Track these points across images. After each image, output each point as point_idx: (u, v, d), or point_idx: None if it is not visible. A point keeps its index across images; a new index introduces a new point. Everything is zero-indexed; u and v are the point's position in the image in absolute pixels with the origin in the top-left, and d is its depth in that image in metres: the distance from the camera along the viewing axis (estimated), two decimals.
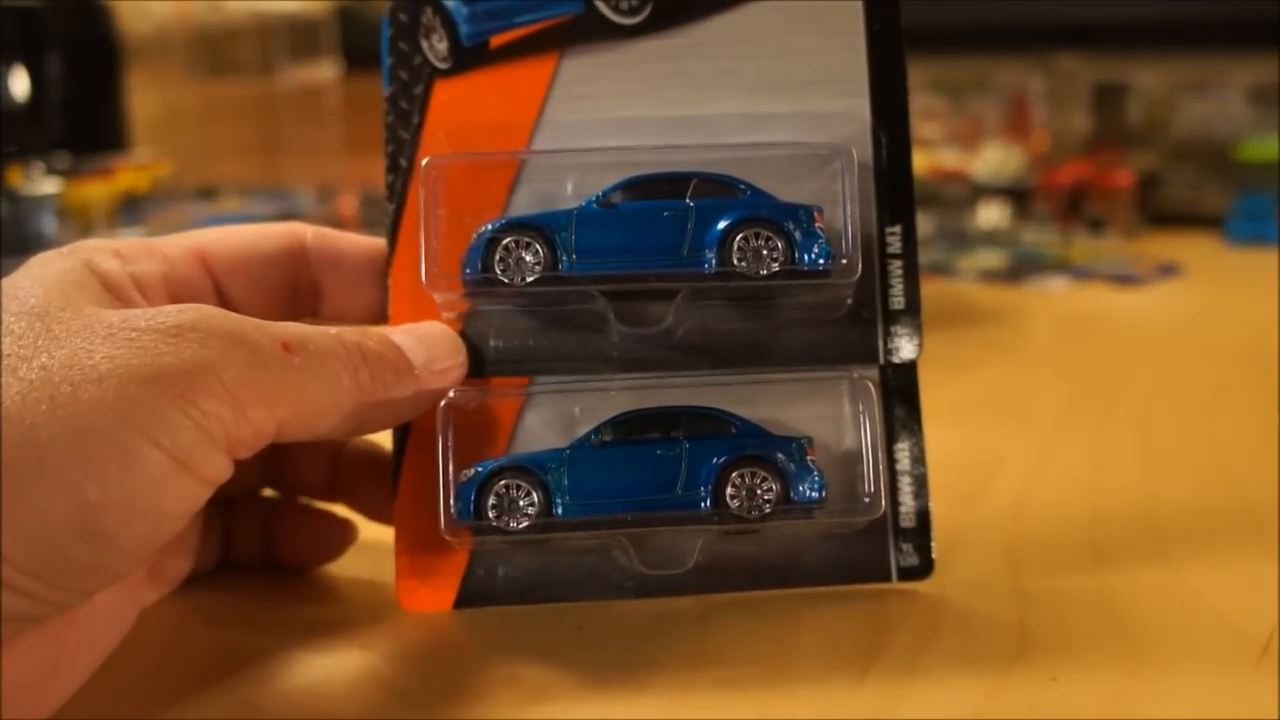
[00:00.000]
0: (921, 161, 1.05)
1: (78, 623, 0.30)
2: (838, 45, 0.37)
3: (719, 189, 0.36)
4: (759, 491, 0.34)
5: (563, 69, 0.37)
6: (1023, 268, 0.93)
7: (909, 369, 0.36)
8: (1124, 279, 0.89)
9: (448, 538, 0.34)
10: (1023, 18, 1.16)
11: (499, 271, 0.35)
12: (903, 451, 0.36)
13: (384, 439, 0.37)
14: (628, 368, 0.36)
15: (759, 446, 0.35)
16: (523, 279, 0.35)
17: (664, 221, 0.35)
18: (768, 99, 0.37)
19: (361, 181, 1.14)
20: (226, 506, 0.39)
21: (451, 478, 0.34)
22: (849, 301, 0.36)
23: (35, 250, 0.34)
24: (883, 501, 0.35)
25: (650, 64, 0.37)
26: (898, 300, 0.36)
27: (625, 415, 0.35)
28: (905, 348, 0.36)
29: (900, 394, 0.36)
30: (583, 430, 0.35)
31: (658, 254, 0.35)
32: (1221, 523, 0.42)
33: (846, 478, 0.35)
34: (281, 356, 0.30)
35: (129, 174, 1.01)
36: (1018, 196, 1.08)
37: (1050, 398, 0.61)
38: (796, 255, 0.35)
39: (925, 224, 1.04)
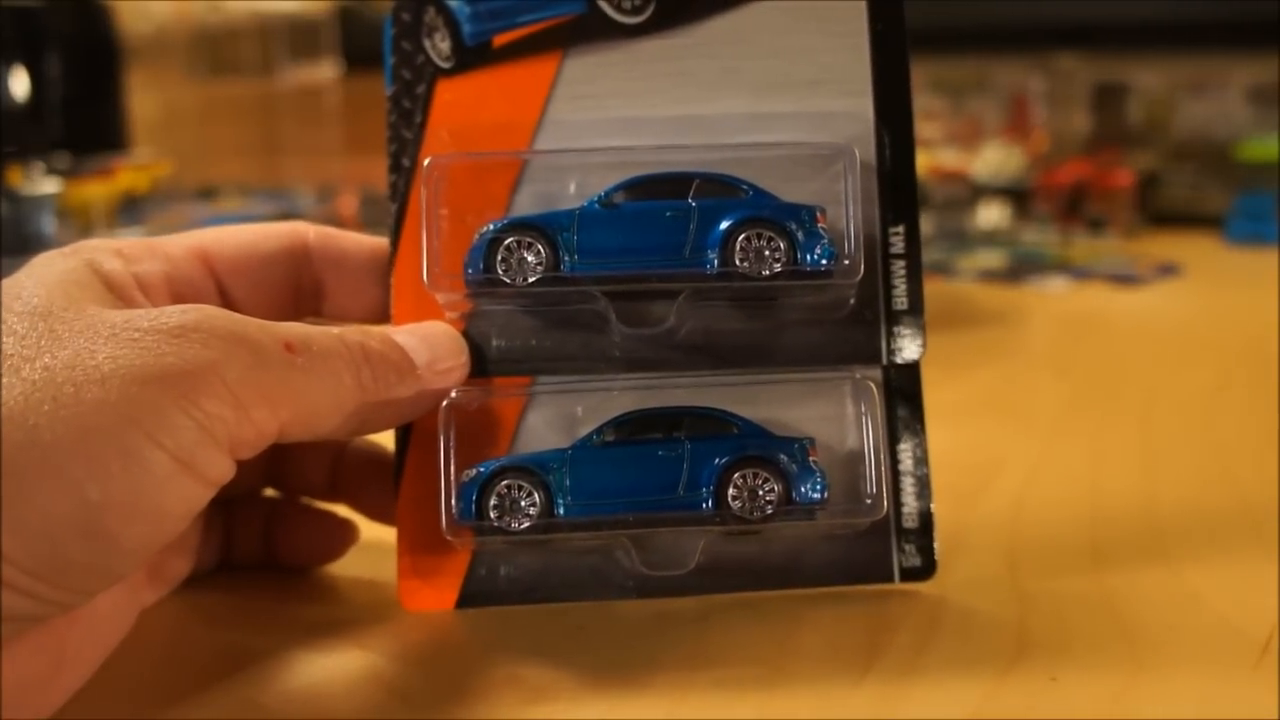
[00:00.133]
0: (921, 161, 1.05)
1: (79, 623, 0.30)
2: (841, 45, 0.37)
3: (721, 189, 0.36)
4: (761, 492, 0.34)
5: (565, 68, 0.37)
6: (1023, 268, 0.93)
7: (912, 369, 0.36)
8: (1124, 279, 0.89)
9: (449, 538, 0.34)
10: (1023, 18, 1.16)
11: (501, 271, 0.35)
12: (905, 452, 0.36)
13: (386, 439, 0.37)
14: (630, 368, 0.36)
15: (761, 447, 0.35)
16: (525, 279, 0.35)
17: (666, 222, 0.35)
18: (770, 99, 0.37)
19: (361, 181, 1.14)
20: (228, 506, 0.39)
21: (453, 478, 0.34)
22: (852, 302, 0.36)
23: (35, 250, 0.34)
24: (885, 502, 0.35)
25: (653, 63, 0.37)
26: (900, 301, 0.36)
27: (627, 416, 0.35)
28: (908, 348, 0.36)
29: (903, 394, 0.36)
30: (584, 430, 0.35)
31: (660, 254, 0.35)
32: (1221, 523, 0.42)
33: (849, 478, 0.35)
34: (284, 357, 0.30)
35: (129, 174, 1.01)
36: (1018, 196, 1.08)
37: (1050, 398, 0.61)
38: (799, 256, 0.35)
39: (925, 224, 1.04)
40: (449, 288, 0.35)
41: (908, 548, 0.36)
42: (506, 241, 0.35)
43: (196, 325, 0.29)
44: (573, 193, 0.36)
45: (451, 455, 0.35)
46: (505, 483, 0.34)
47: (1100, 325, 0.79)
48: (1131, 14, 1.12)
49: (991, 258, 0.97)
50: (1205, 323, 0.79)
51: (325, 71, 1.28)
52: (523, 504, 0.34)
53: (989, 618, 0.35)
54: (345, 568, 0.39)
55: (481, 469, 0.34)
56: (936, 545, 0.36)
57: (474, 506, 0.34)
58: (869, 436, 0.35)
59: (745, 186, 0.36)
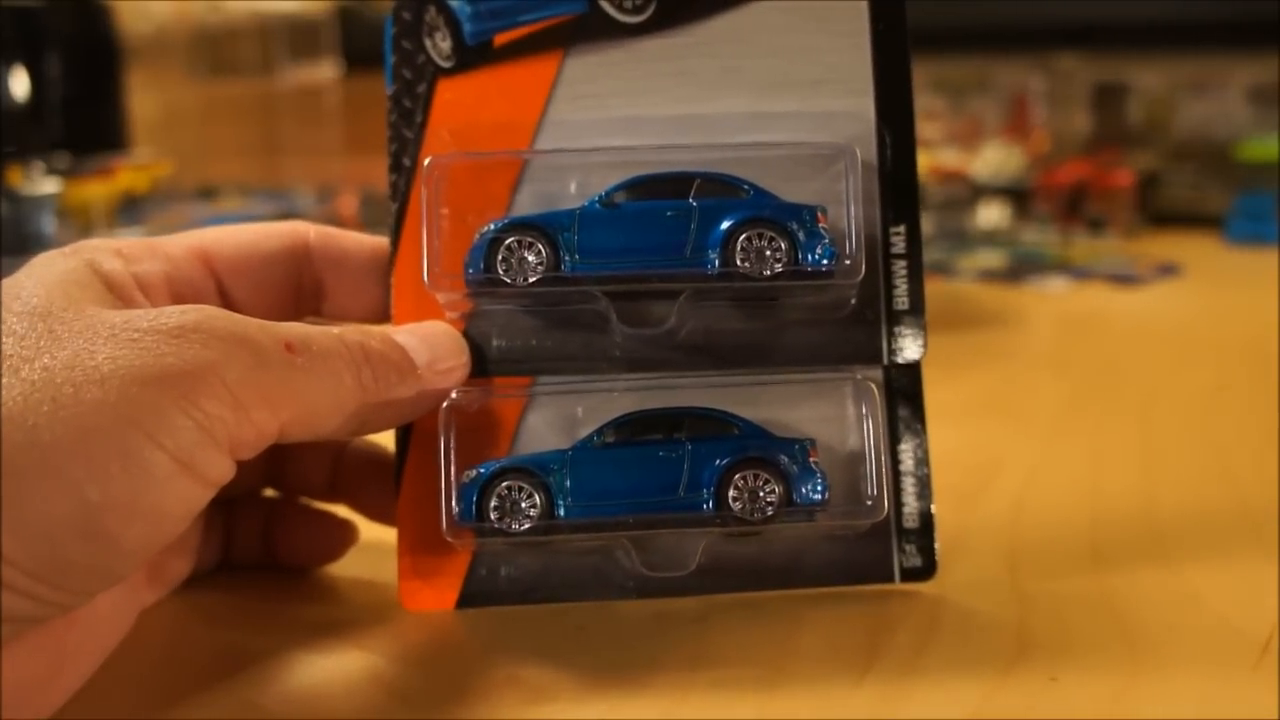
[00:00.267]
0: (921, 161, 1.05)
1: (78, 623, 0.30)
2: (842, 44, 0.37)
3: (722, 189, 0.36)
4: (761, 493, 0.34)
5: (566, 68, 0.37)
6: (1023, 268, 0.93)
7: (913, 370, 0.36)
8: (1124, 279, 0.89)
9: (449, 539, 0.34)
10: (1023, 18, 1.16)
11: (501, 271, 0.35)
12: (906, 453, 0.36)
13: (386, 439, 0.37)
14: (630, 368, 0.36)
15: (762, 448, 0.35)
16: (525, 279, 0.35)
17: (667, 222, 0.35)
18: (771, 98, 0.37)
19: (361, 181, 1.14)
20: (227, 507, 0.39)
21: (453, 479, 0.34)
22: (853, 302, 0.36)
23: (35, 250, 0.34)
24: (886, 503, 0.35)
25: (654, 63, 0.37)
26: (902, 301, 0.36)
27: (628, 416, 0.35)
28: (909, 348, 0.36)
29: (904, 395, 0.36)
30: (585, 431, 0.35)
31: (661, 254, 0.35)
32: (1221, 523, 0.42)
33: (849, 479, 0.35)
34: (284, 357, 0.30)
35: (129, 174, 1.01)
36: (1018, 196, 1.08)
37: (1050, 398, 0.61)
38: (800, 256, 0.35)
39: (925, 224, 1.04)
40: (449, 287, 0.35)
41: (908, 548, 0.36)
42: (507, 241, 0.35)
43: (196, 325, 0.29)
44: (573, 192, 0.36)
45: (452, 456, 0.35)
46: (506, 484, 0.34)
47: (1100, 325, 0.79)
48: (1131, 14, 1.12)
49: (991, 258, 0.97)
50: (1205, 323, 0.79)
51: (325, 71, 1.28)
52: (523, 505, 0.34)
53: (989, 618, 0.35)
54: (345, 568, 0.39)
55: (482, 470, 0.34)
56: (937, 545, 0.36)
57: (474, 508, 0.34)
58: (870, 437, 0.35)
59: (746, 186, 0.36)
